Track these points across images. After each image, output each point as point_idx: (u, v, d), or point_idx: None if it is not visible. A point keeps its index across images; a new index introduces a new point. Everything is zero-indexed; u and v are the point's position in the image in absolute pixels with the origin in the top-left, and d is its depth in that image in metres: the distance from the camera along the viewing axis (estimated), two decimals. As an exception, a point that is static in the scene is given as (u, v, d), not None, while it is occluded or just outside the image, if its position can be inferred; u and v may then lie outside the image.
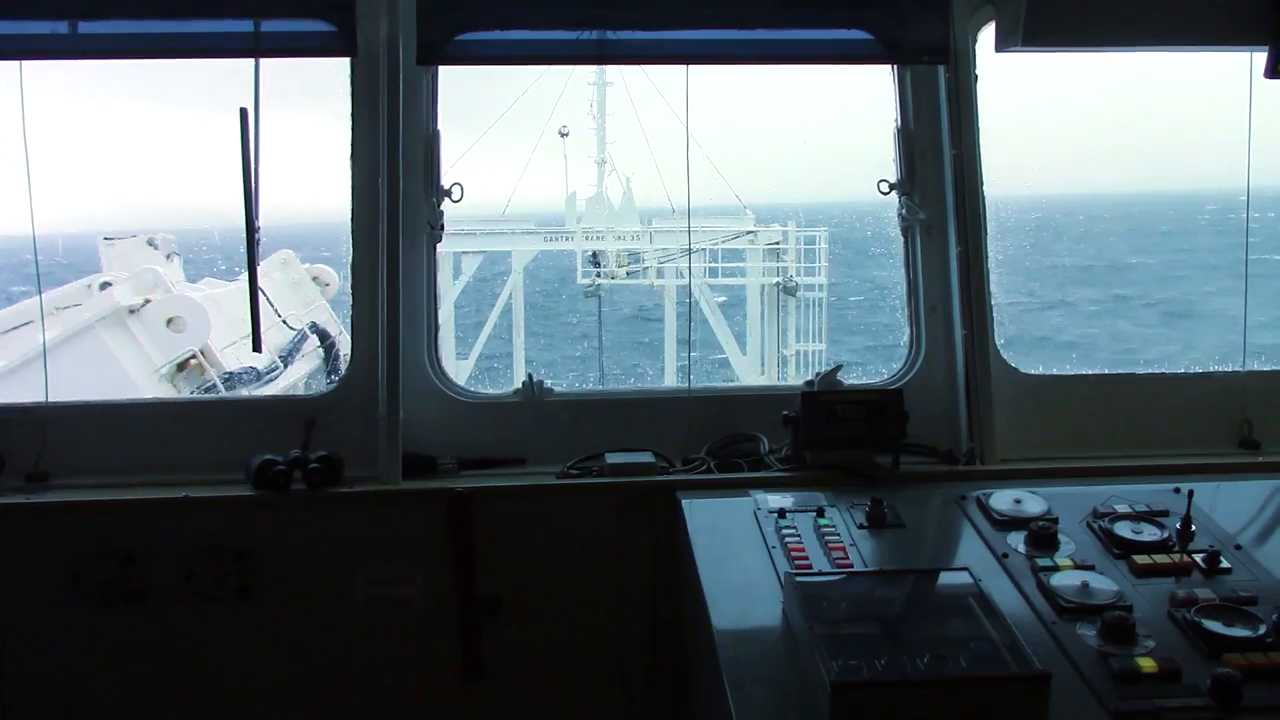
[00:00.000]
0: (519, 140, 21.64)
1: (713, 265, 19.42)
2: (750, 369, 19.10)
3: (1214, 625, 2.89)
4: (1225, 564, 3.23)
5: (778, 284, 19.21)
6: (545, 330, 29.52)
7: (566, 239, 20.62)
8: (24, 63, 4.06)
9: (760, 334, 19.37)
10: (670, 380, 18.92)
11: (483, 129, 19.20)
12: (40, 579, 3.89)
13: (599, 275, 20.39)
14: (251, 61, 4.08)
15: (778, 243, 19.37)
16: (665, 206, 19.55)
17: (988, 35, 4.15)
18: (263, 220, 4.12)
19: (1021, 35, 3.68)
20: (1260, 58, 3.85)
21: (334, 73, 4.16)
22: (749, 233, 19.38)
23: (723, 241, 19.19)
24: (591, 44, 4.23)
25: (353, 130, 4.16)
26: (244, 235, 4.13)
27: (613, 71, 20.17)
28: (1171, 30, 3.73)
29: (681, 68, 4.43)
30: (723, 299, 19.97)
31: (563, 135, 20.06)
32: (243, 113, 4.04)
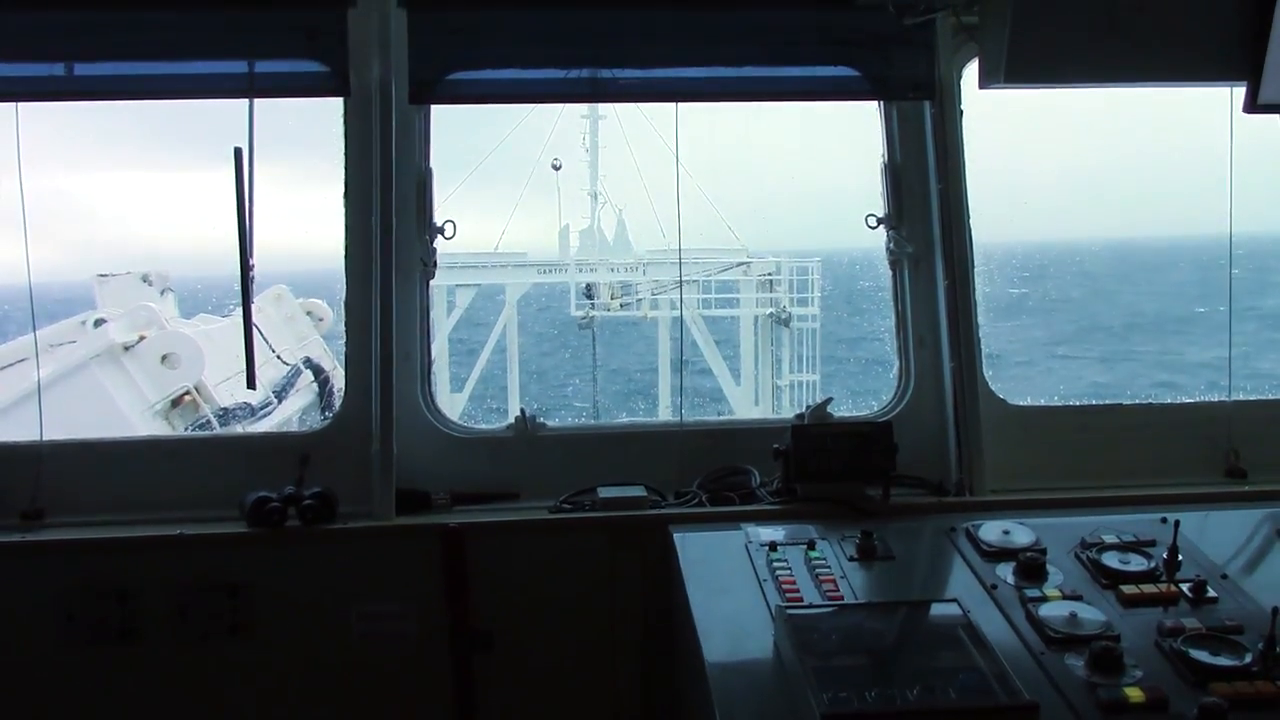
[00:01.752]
0: (511, 175, 21.77)
1: (706, 296, 19.50)
2: (745, 400, 19.13)
3: (1201, 655, 2.91)
4: (1212, 593, 3.26)
5: (771, 315, 19.27)
6: (541, 385, 29.28)
7: (560, 271, 20.68)
8: (19, 105, 4.11)
9: (755, 365, 19.42)
10: (664, 413, 18.94)
11: (475, 164, 19.35)
12: (34, 617, 3.89)
13: (593, 307, 20.45)
14: (245, 102, 4.14)
15: (770, 273, 19.44)
16: (659, 239, 19.66)
17: (973, 71, 4.20)
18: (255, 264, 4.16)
19: (1004, 72, 3.72)
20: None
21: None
22: (742, 264, 19.46)
23: (716, 272, 19.27)
24: (583, 82, 4.28)
25: (346, 169, 4.20)
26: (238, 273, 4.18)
27: (605, 105, 20.28)
28: (1151, 67, 3.77)
29: (672, 105, 4.50)
30: (718, 339, 19.99)
31: (556, 168, 20.14)
32: (237, 152, 4.08)
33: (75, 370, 11.46)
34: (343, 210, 4.21)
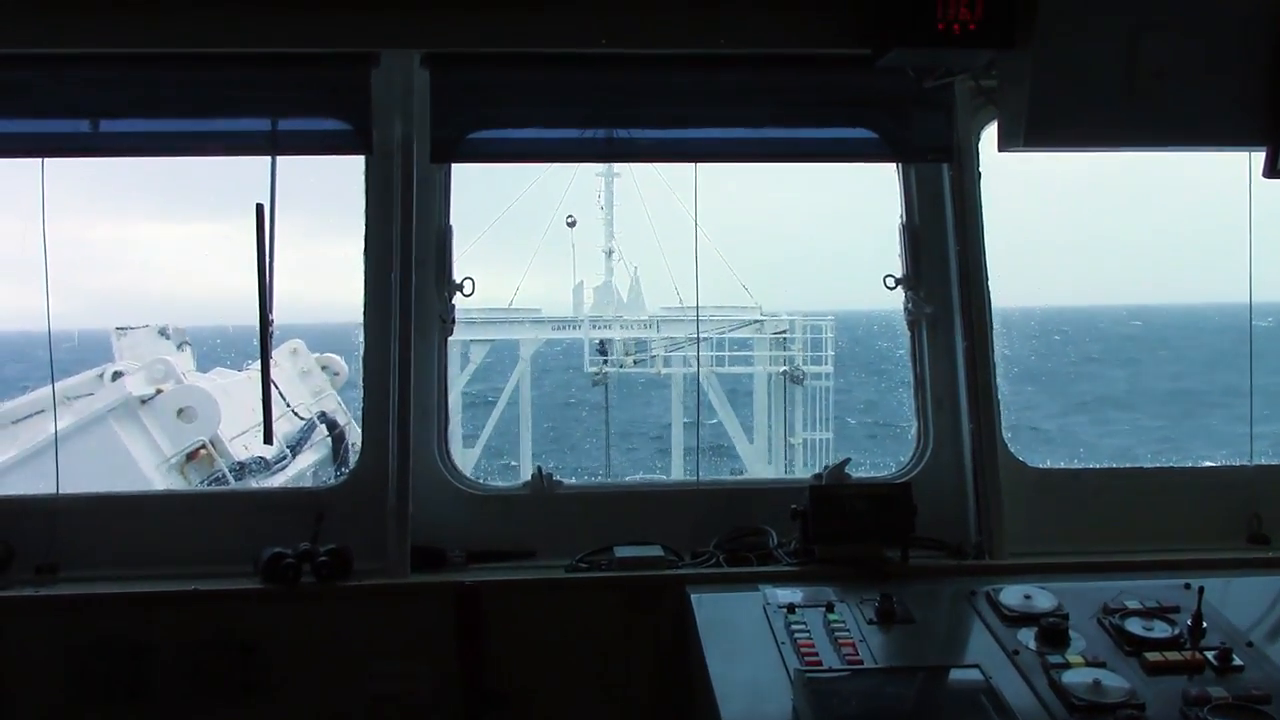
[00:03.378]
0: (526, 230, 21.90)
1: (720, 354, 19.51)
2: (758, 457, 19.08)
3: (1228, 725, 2.87)
4: (1237, 661, 3.22)
5: (785, 372, 19.26)
6: (554, 439, 29.08)
7: (574, 327, 20.74)
8: (45, 160, 4.15)
9: (768, 422, 19.38)
10: (678, 469, 18.92)
11: (491, 221, 19.48)
12: (47, 672, 3.87)
13: (606, 364, 20.47)
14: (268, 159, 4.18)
15: (784, 331, 19.47)
16: (672, 296, 19.72)
17: (991, 134, 4.22)
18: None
19: (1023, 136, 3.72)
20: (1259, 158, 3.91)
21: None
22: (756, 321, 19.50)
23: (730, 330, 19.31)
24: (600, 142, 4.32)
25: (366, 225, 4.22)
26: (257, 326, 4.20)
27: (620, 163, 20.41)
28: (1170, 132, 3.78)
29: (690, 164, 4.53)
30: (729, 390, 19.97)
31: (570, 224, 20.24)
32: (259, 208, 4.12)
33: (92, 423, 11.53)
34: (362, 266, 4.23)
